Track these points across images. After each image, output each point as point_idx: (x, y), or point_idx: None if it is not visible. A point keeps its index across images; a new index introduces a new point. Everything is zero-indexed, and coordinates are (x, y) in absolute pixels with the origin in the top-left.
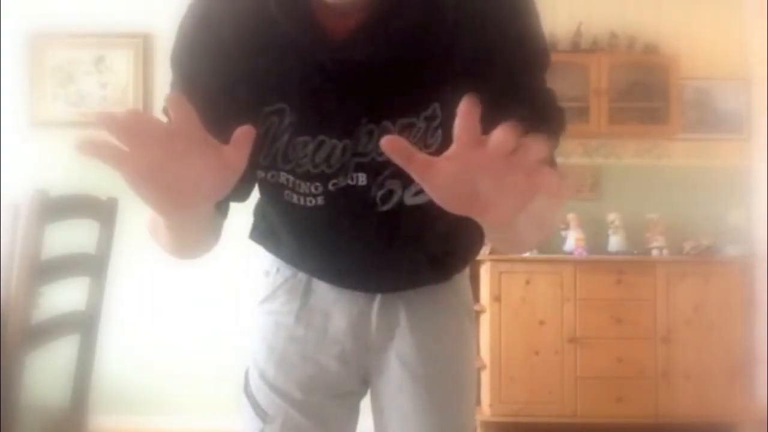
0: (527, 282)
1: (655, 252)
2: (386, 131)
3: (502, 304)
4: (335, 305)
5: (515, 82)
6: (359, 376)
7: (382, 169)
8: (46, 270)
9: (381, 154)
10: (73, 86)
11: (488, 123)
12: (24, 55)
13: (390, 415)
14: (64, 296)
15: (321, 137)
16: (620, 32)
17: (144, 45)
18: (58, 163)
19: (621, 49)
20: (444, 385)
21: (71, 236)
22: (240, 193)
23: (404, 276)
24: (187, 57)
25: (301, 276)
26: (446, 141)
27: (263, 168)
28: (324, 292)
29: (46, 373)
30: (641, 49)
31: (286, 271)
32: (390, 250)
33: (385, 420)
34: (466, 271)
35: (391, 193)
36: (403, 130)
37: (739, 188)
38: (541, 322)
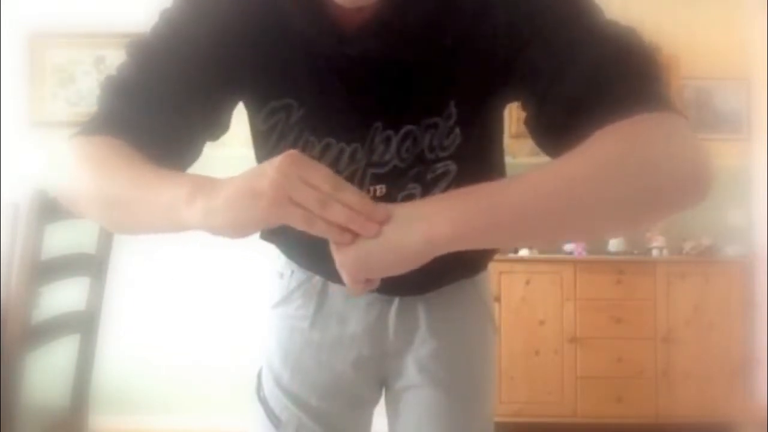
0: (527, 282)
1: (655, 252)
2: (408, 136)
3: (502, 304)
4: (352, 310)
5: (570, 38)
6: (375, 383)
7: (404, 175)
8: (46, 270)
9: (403, 159)
10: (73, 86)
11: (559, 93)
12: (24, 55)
13: (406, 420)
14: (64, 296)
15: (328, 139)
16: None
17: None
18: (58, 163)
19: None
20: (463, 390)
21: (71, 236)
22: (215, 129)
23: (429, 276)
24: (186, 14)
25: (317, 280)
26: (465, 140)
27: None
28: (340, 296)
29: (46, 373)
30: None
31: (301, 274)
32: None
33: (401, 425)
34: (487, 270)
35: (411, 197)
36: (427, 131)
37: (739, 188)
38: (541, 322)
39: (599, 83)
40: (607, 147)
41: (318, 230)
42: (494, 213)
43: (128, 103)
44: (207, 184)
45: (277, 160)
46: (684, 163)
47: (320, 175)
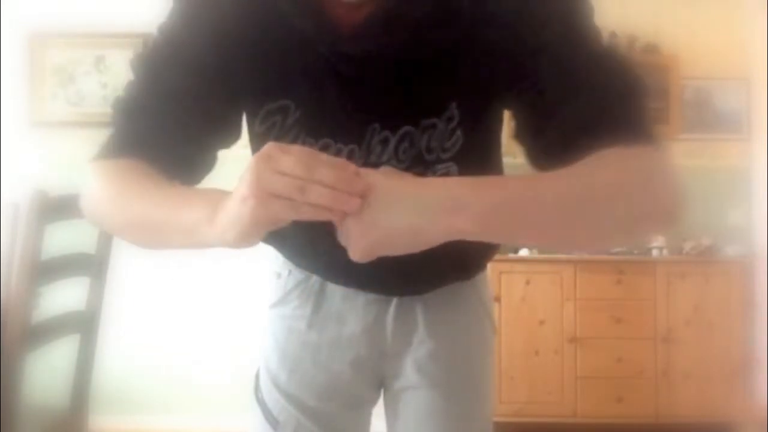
0: (527, 282)
1: (655, 252)
2: (406, 137)
3: (502, 304)
4: (349, 310)
5: (572, 55)
6: (374, 383)
7: None
8: (46, 270)
9: (401, 160)
10: (73, 86)
11: (553, 104)
12: (24, 55)
13: (404, 421)
14: (64, 296)
15: (325, 140)
16: (620, 32)
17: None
18: (58, 163)
19: (621, 49)
20: (462, 391)
21: (71, 236)
22: (226, 138)
23: (425, 276)
24: (182, 25)
25: (315, 280)
26: (467, 142)
27: None
28: (338, 296)
29: (46, 373)
30: (641, 49)
31: (299, 274)
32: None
33: (399, 425)
34: (486, 270)
35: None
36: (424, 132)
37: (739, 188)
38: (541, 322)
39: (601, 112)
40: (606, 172)
41: (306, 215)
42: (517, 213)
43: (138, 123)
44: (224, 202)
45: (252, 161)
46: (660, 195)
47: (292, 161)
